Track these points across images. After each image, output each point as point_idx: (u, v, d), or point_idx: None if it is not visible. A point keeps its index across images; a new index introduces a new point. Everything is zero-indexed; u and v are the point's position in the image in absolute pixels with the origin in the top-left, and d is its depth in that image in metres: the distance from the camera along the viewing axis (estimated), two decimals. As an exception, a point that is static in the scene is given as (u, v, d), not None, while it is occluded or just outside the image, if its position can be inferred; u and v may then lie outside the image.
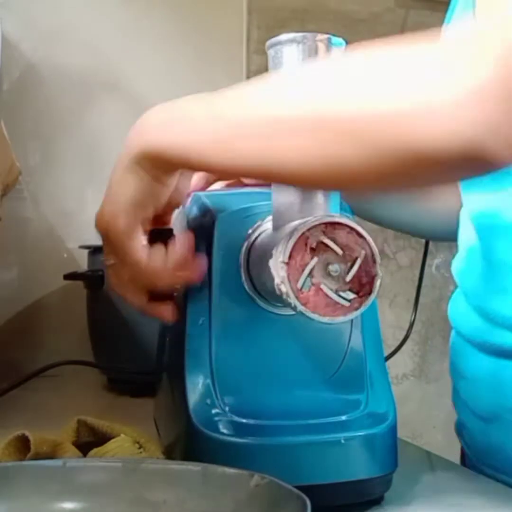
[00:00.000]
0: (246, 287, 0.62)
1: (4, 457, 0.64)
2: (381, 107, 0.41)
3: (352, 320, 0.62)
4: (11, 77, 1.29)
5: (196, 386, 0.61)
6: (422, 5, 1.59)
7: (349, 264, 0.54)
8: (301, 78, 0.48)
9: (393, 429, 0.62)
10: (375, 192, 0.65)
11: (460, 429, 0.80)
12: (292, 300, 0.53)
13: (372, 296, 0.55)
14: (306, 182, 0.51)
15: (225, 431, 0.59)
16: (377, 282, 0.55)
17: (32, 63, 1.31)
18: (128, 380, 1.08)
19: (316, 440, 0.59)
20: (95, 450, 0.66)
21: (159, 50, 1.39)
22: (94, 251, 1.15)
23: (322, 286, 0.53)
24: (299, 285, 0.53)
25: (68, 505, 0.53)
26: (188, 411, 0.60)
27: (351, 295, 0.54)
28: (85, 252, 1.17)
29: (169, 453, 0.67)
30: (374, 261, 0.54)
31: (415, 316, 1.44)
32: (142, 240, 0.58)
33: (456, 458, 0.77)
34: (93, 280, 1.11)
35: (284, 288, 0.53)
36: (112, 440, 0.67)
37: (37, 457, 0.63)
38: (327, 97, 0.45)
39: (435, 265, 1.64)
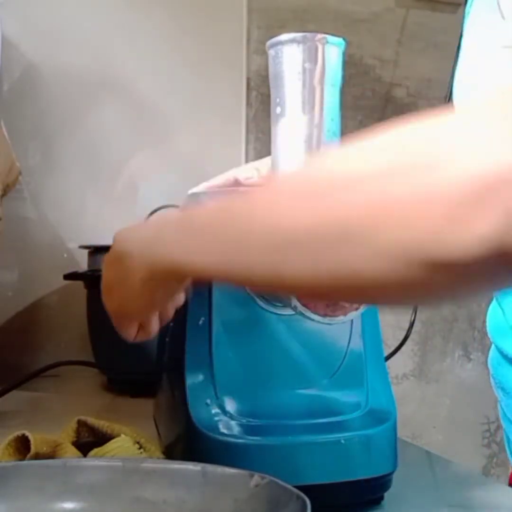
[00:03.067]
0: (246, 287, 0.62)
1: (4, 457, 0.64)
2: (388, 215, 0.36)
3: (352, 320, 0.62)
4: (11, 77, 1.29)
5: (196, 386, 0.61)
6: (422, 5, 1.59)
7: None
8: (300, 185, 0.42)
9: (393, 429, 0.62)
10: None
11: (507, 438, 0.81)
12: (293, 300, 0.53)
13: None
14: (319, 295, 0.47)
15: (225, 431, 0.59)
16: None
17: (32, 63, 1.31)
18: (128, 380, 1.08)
19: (316, 440, 0.59)
20: (95, 450, 0.66)
21: (159, 50, 1.39)
22: (94, 251, 1.15)
23: None
24: None
25: (68, 505, 0.53)
26: (188, 411, 0.60)
27: None
28: (85, 252, 1.17)
29: (169, 453, 0.67)
30: None
31: (415, 316, 1.44)
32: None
33: (456, 458, 0.77)
34: (93, 280, 1.11)
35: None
36: (112, 440, 0.67)
37: (37, 457, 0.63)
38: (330, 205, 0.39)
39: (435, 265, 1.64)
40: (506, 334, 0.75)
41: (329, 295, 0.45)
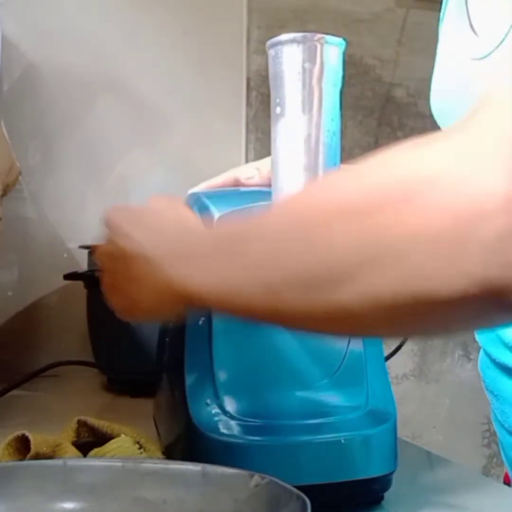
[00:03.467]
0: None
1: (4, 457, 0.64)
2: (380, 253, 0.35)
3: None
4: (11, 77, 1.29)
5: (196, 386, 0.61)
6: (422, 5, 1.59)
7: None
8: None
9: (393, 429, 0.62)
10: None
11: (500, 441, 0.81)
12: None
13: None
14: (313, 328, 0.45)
15: (225, 431, 0.59)
16: None
17: (32, 63, 1.31)
18: (128, 380, 1.08)
19: (316, 440, 0.59)
20: (95, 450, 0.66)
21: (159, 50, 1.39)
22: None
23: None
24: None
25: (68, 505, 0.53)
26: (188, 411, 0.60)
27: None
28: (85, 252, 1.17)
29: (169, 453, 0.67)
30: None
31: (415, 316, 1.43)
32: None
33: (456, 458, 0.77)
34: (93, 280, 1.11)
35: None
36: (112, 440, 0.67)
37: (37, 457, 0.63)
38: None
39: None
40: (493, 340, 0.75)
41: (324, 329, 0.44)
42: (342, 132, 0.56)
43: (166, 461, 0.64)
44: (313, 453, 0.59)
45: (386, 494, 0.62)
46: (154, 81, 1.39)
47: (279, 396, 0.62)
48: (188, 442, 0.61)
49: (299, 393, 0.62)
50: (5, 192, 0.97)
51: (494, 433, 1.67)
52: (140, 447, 0.67)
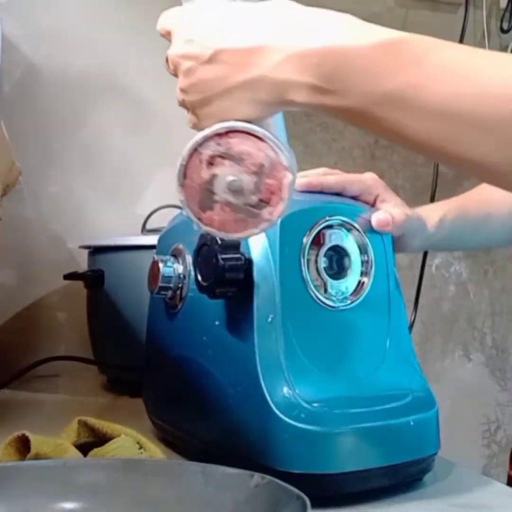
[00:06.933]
0: (306, 284, 0.64)
1: (4, 457, 0.64)
2: None
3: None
4: (11, 77, 1.29)
5: (272, 379, 0.62)
6: (422, 5, 1.59)
7: (253, 173, 0.47)
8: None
9: (438, 410, 0.66)
10: None
11: None
12: (195, 222, 0.49)
13: (284, 203, 0.48)
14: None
15: (307, 420, 0.60)
16: (287, 186, 0.47)
17: (32, 63, 1.31)
18: (128, 380, 1.08)
19: (392, 425, 0.63)
20: (95, 450, 0.66)
21: (159, 50, 1.39)
22: (94, 251, 1.14)
23: (227, 202, 0.48)
24: (201, 205, 0.48)
25: (68, 505, 0.53)
26: (268, 403, 0.61)
27: (262, 206, 0.48)
28: (85, 252, 1.17)
29: (211, 453, 0.68)
30: (281, 164, 0.47)
31: (415, 316, 1.44)
32: None
33: (456, 458, 0.76)
34: (93, 280, 1.11)
35: (185, 212, 0.48)
36: (113, 440, 0.67)
37: (37, 457, 0.63)
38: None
39: (435, 265, 1.64)
40: None
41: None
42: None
43: (166, 461, 0.64)
44: (386, 435, 0.62)
45: (385, 494, 0.62)
46: (154, 81, 1.38)
47: (350, 385, 0.64)
48: (267, 432, 0.62)
49: (367, 381, 0.65)
50: (5, 192, 0.97)
51: (495, 433, 1.67)
52: (140, 447, 0.67)
